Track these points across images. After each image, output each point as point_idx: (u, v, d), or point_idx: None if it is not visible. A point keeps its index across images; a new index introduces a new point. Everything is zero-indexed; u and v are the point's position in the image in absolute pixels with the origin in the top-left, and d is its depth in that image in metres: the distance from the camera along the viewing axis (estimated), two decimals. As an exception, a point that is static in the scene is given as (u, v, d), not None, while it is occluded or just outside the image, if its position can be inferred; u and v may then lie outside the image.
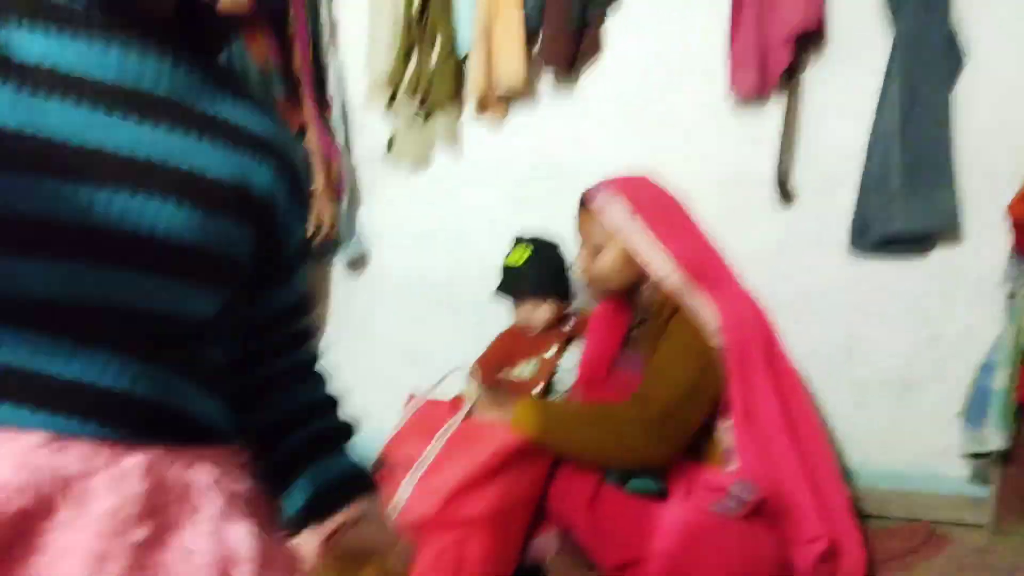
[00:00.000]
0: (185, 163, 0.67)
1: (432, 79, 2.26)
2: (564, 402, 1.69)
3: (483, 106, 2.30)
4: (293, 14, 2.25)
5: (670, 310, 1.70)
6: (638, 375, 1.83)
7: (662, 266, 1.73)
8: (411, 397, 1.98)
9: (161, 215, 0.64)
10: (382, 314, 2.58)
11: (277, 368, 0.85)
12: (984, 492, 2.03)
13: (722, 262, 1.82)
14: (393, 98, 2.34)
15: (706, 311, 1.68)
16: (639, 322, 1.89)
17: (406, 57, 2.31)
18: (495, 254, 2.18)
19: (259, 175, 0.73)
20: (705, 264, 1.77)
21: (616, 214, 1.78)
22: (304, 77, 2.29)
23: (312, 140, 2.31)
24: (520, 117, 2.35)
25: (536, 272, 2.11)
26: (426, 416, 1.85)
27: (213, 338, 0.73)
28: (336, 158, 2.37)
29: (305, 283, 0.87)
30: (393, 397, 2.15)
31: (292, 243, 0.81)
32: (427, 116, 2.33)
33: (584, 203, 1.86)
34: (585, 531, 1.65)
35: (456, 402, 1.86)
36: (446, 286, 2.49)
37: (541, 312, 2.11)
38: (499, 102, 2.29)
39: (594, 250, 1.82)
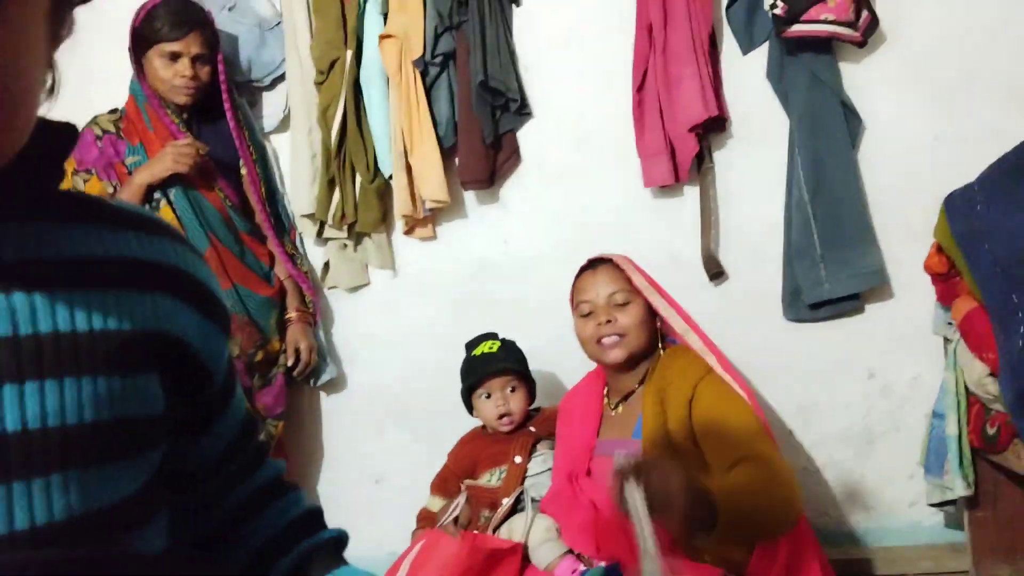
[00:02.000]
0: (66, 326, 0.54)
1: (357, 207, 2.32)
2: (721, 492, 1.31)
3: (411, 227, 2.36)
4: (242, 156, 2.32)
5: (695, 377, 1.65)
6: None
7: (694, 337, 1.73)
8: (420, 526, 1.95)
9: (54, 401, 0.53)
10: (339, 434, 2.54)
11: (246, 495, 0.77)
12: (963, 536, 2.01)
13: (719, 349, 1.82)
14: (322, 229, 2.39)
15: (735, 387, 1.65)
16: (622, 398, 1.86)
17: (329, 189, 2.37)
18: (441, 362, 2.17)
19: (160, 307, 0.61)
20: (717, 349, 1.77)
21: (635, 273, 1.78)
22: (260, 213, 2.34)
23: (280, 270, 2.34)
24: (449, 229, 2.40)
25: (510, 356, 2.08)
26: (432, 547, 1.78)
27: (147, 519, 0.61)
28: (307, 285, 2.38)
29: (243, 401, 0.79)
30: (361, 518, 2.08)
31: (220, 368, 0.70)
32: (357, 242, 2.38)
33: (593, 265, 1.84)
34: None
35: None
36: (396, 401, 2.47)
37: (517, 398, 2.06)
38: (426, 220, 2.35)
39: (616, 304, 1.77)
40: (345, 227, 2.36)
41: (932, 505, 1.97)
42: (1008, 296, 1.54)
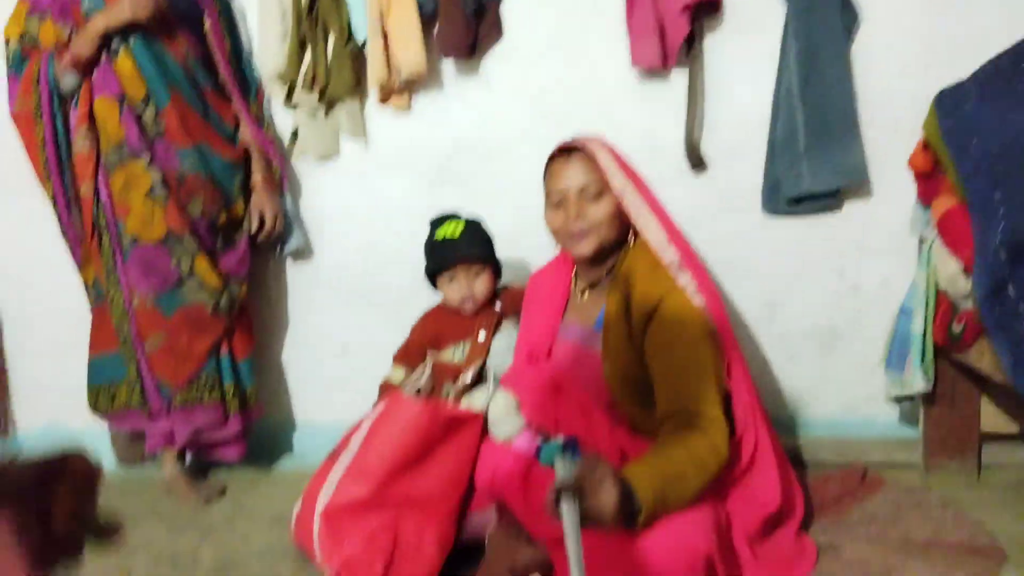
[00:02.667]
0: None
1: (329, 71, 2.21)
2: (654, 466, 1.43)
3: (386, 95, 2.26)
4: (205, 7, 2.19)
5: (660, 291, 1.64)
6: (582, 346, 1.80)
7: (658, 235, 1.69)
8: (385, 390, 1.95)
9: None
10: (305, 305, 2.51)
11: None
12: (915, 433, 2.08)
13: (685, 239, 1.80)
14: (291, 92, 2.28)
15: (691, 289, 1.65)
16: (589, 286, 1.85)
17: (300, 50, 2.25)
18: (411, 239, 2.13)
19: None
20: (681, 241, 1.75)
21: (610, 163, 1.72)
22: (224, 70, 2.22)
23: (245, 133, 2.25)
24: (426, 102, 2.31)
25: (475, 241, 2.04)
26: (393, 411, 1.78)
27: None
28: (273, 151, 2.29)
29: None
30: (324, 389, 2.06)
31: None
32: (329, 108, 2.28)
33: (566, 151, 1.77)
34: (521, 506, 1.61)
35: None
36: (363, 275, 2.43)
37: (481, 283, 2.05)
38: (402, 90, 2.25)
39: (587, 197, 1.72)
40: (316, 92, 2.25)
41: (890, 399, 2.01)
42: (991, 192, 1.52)
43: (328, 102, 2.27)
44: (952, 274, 1.68)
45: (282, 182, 2.33)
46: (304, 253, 2.46)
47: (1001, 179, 1.51)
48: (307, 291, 2.50)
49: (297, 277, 2.49)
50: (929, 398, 1.95)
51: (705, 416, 1.54)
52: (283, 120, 2.37)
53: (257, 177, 2.26)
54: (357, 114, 2.30)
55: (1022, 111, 1.51)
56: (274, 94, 2.34)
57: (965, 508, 1.79)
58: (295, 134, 2.36)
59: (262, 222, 2.27)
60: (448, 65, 2.28)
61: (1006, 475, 1.96)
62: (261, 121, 2.31)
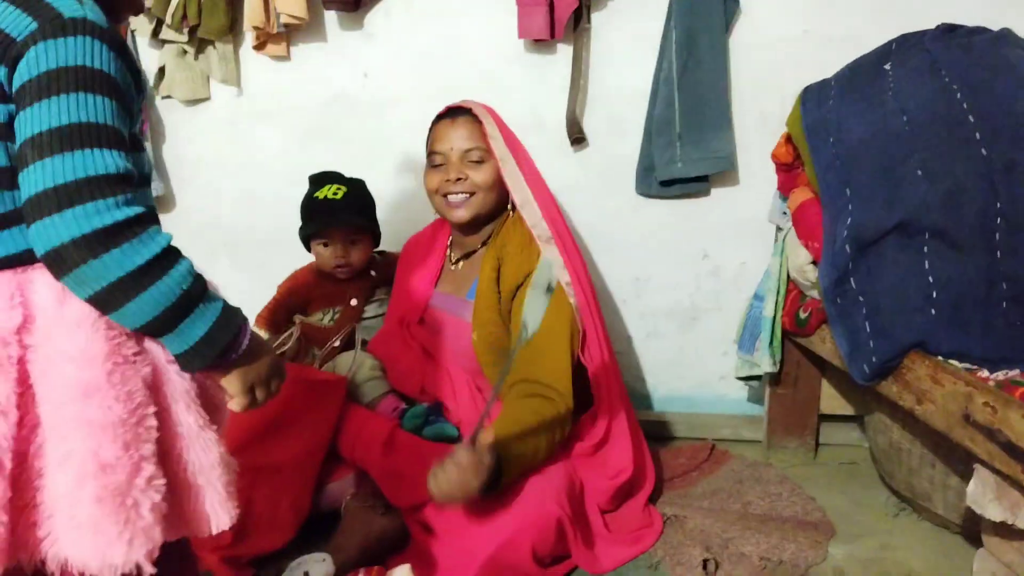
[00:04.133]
0: None
1: (201, 9, 2.09)
2: (505, 428, 1.51)
3: (262, 41, 2.16)
4: None
5: (529, 266, 1.66)
6: (452, 315, 1.80)
7: (532, 209, 1.69)
8: None
9: None
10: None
11: None
12: (761, 411, 2.19)
13: (561, 214, 1.82)
14: (159, 28, 2.14)
15: (558, 264, 1.67)
16: (464, 255, 1.85)
17: (171, -17, 2.11)
18: (283, 194, 2.05)
19: None
20: (555, 216, 1.76)
21: (495, 130, 1.70)
22: None
23: None
24: (305, 53, 2.22)
25: (356, 207, 1.97)
26: None
27: None
28: None
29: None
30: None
31: None
32: (200, 50, 2.15)
33: (453, 114, 1.75)
34: (380, 473, 1.61)
35: None
36: (231, 228, 2.33)
37: (359, 251, 1.99)
38: (280, 37, 2.15)
39: (469, 161, 1.72)
40: (186, 30, 2.12)
41: (739, 378, 2.12)
42: (842, 189, 1.61)
43: (199, 43, 2.14)
44: (802, 263, 1.78)
45: (143, 126, 2.19)
46: (166, 202, 2.33)
47: (851, 176, 1.59)
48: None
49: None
50: (775, 379, 2.06)
51: (554, 390, 1.60)
52: (148, 57, 2.22)
53: None
54: (230, 57, 2.19)
55: (876, 112, 1.59)
56: (139, 29, 2.18)
57: (801, 484, 1.91)
58: (161, 72, 2.21)
59: None
60: (331, 17, 2.20)
61: (840, 454, 2.10)
62: None
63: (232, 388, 0.93)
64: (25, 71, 0.80)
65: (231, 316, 0.89)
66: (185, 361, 0.87)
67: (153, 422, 0.84)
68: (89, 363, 0.81)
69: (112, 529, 0.79)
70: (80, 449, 0.79)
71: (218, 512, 0.91)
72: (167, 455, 0.87)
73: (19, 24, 0.81)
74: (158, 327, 0.84)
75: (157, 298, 0.81)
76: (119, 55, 0.85)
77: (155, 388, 0.86)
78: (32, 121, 0.79)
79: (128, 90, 0.86)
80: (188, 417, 0.88)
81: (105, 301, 0.80)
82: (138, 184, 0.85)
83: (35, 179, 0.78)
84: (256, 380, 0.95)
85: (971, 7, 1.79)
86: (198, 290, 0.86)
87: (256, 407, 0.97)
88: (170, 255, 0.84)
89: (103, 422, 0.80)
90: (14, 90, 0.81)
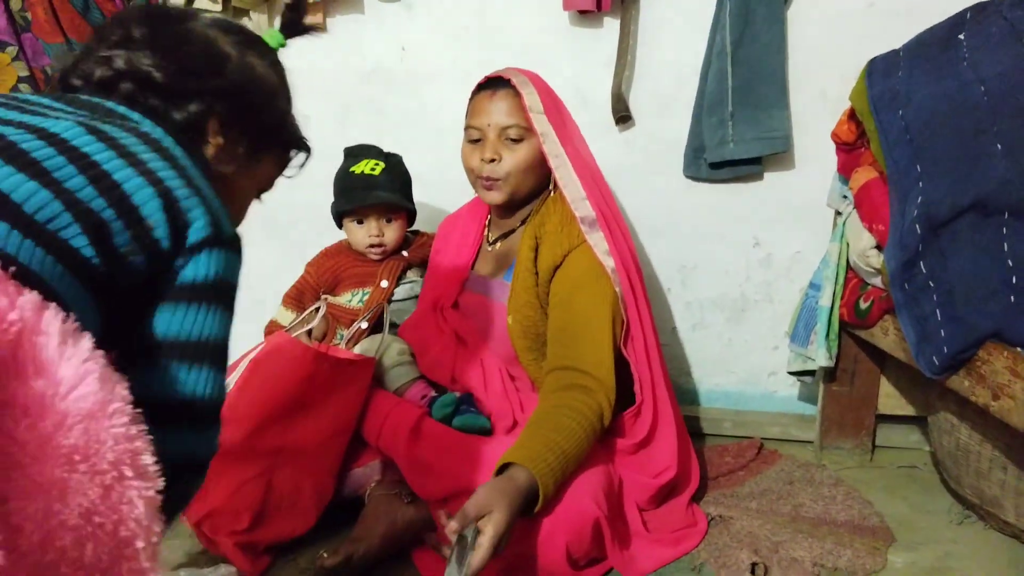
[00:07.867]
0: None
1: (236, -23, 2.03)
2: (543, 438, 1.37)
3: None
4: None
5: (568, 245, 1.58)
6: (488, 298, 1.71)
7: (574, 188, 1.60)
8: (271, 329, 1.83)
9: None
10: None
11: None
12: (812, 410, 2.06)
13: (610, 194, 1.72)
14: (191, -2, 2.09)
15: (602, 250, 1.57)
16: (501, 235, 1.75)
17: (203, -49, 2.06)
18: (317, 172, 1.97)
19: None
20: (602, 196, 1.66)
21: (536, 103, 1.59)
22: None
23: None
24: (342, 22, 2.15)
25: (395, 184, 1.87)
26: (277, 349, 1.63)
27: None
28: None
29: None
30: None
31: None
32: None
33: (493, 85, 1.64)
34: (407, 464, 1.52)
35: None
36: (264, 206, 2.26)
37: (393, 230, 1.90)
38: (317, 8, 2.08)
39: (506, 139, 1.61)
40: (220, 2, 2.06)
41: (791, 373, 1.98)
42: (912, 165, 1.48)
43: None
44: (864, 248, 1.65)
45: None
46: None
47: (922, 151, 1.47)
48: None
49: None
50: (830, 375, 1.93)
51: (593, 377, 1.49)
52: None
53: None
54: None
55: (950, 82, 1.46)
56: (171, -1, 2.13)
57: (856, 487, 1.78)
58: (194, 45, 2.17)
59: None
60: (368, -12, 2.12)
61: (898, 457, 1.97)
62: None
63: None
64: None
65: None
66: None
67: None
68: None
69: None
70: None
71: None
72: None
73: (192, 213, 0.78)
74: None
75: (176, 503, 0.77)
76: None
77: None
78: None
79: None
80: None
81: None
82: None
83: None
84: None
85: (1057, -28, 1.63)
86: None
87: None
88: None
89: None
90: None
